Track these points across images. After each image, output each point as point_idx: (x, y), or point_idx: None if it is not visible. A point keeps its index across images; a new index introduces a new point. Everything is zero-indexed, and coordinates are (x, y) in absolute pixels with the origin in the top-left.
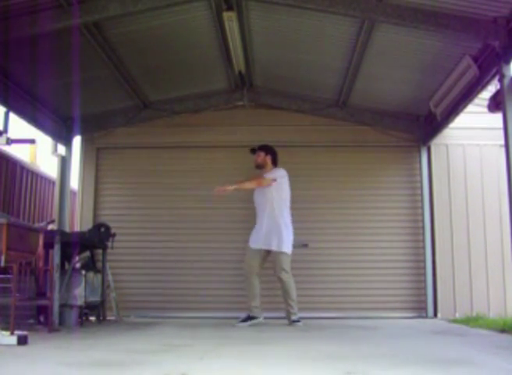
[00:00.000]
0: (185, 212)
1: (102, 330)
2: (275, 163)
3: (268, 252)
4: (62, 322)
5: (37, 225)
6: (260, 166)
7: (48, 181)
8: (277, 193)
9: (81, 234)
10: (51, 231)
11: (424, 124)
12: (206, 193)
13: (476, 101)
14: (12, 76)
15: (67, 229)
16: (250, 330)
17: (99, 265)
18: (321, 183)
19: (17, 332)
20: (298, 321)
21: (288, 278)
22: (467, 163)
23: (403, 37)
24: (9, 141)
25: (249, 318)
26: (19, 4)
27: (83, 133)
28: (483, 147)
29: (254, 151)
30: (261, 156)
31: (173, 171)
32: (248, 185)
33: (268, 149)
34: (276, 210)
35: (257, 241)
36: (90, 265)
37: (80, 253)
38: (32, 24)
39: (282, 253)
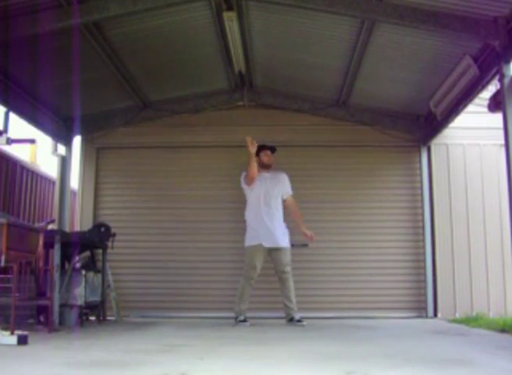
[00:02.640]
0: (185, 211)
1: (102, 330)
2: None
3: (268, 251)
4: (62, 322)
5: (37, 225)
6: (270, 167)
7: (48, 181)
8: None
9: (81, 234)
10: (51, 231)
11: (424, 124)
12: (206, 193)
13: (476, 101)
14: (12, 76)
15: (67, 229)
16: (250, 330)
17: (99, 265)
18: (321, 183)
19: (17, 332)
20: (301, 320)
21: (291, 272)
22: (467, 163)
23: (403, 37)
24: (9, 141)
25: (245, 319)
26: (19, 4)
27: (83, 133)
28: (483, 147)
29: (271, 150)
30: (272, 158)
31: (173, 171)
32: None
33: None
34: (282, 212)
35: (264, 239)
36: (90, 265)
37: (80, 253)
38: (32, 24)
39: (288, 248)
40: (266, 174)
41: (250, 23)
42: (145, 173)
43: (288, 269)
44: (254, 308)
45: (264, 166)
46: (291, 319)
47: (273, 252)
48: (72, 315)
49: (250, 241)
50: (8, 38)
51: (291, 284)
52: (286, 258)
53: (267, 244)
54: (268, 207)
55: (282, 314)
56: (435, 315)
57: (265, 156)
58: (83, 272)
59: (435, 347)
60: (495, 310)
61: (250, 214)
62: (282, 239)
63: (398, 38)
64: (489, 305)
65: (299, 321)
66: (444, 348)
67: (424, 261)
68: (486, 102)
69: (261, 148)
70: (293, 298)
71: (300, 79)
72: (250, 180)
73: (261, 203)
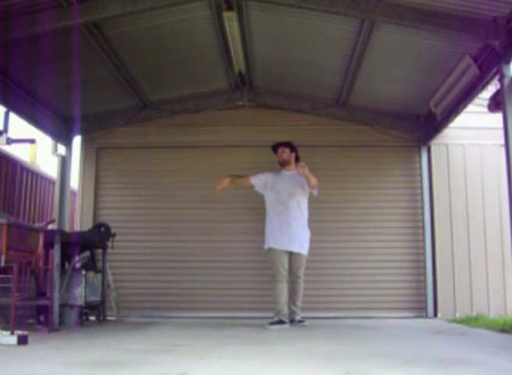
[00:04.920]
0: (185, 211)
1: (102, 330)
2: (297, 161)
3: (290, 253)
4: (62, 322)
5: (37, 225)
6: (284, 163)
7: (48, 181)
8: (306, 196)
9: (81, 234)
10: (51, 231)
11: (424, 124)
12: (206, 193)
13: (476, 101)
14: (12, 76)
15: (67, 229)
16: (250, 330)
17: (99, 265)
18: (321, 183)
19: (17, 332)
20: (303, 321)
21: (303, 277)
22: (467, 163)
23: (403, 36)
24: (9, 141)
25: (279, 322)
26: (19, 4)
27: (83, 133)
28: (483, 147)
29: (276, 148)
30: (287, 153)
31: (173, 171)
32: (314, 180)
33: (292, 146)
34: (304, 212)
35: (282, 243)
36: (90, 265)
37: (80, 253)
38: (32, 24)
39: (305, 255)
40: (286, 173)
41: (250, 23)
42: (145, 173)
43: (301, 273)
44: (253, 308)
45: (280, 165)
46: (292, 321)
47: (291, 254)
48: (72, 315)
49: (271, 243)
50: (8, 38)
51: (300, 290)
52: (302, 262)
53: (286, 247)
54: (285, 206)
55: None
56: (435, 315)
57: (277, 156)
58: (83, 272)
59: (435, 347)
60: (495, 310)
61: (269, 216)
62: (301, 245)
63: (398, 38)
64: (489, 305)
65: (300, 321)
66: (444, 348)
67: (424, 261)
68: (486, 102)
69: (273, 149)
70: (299, 303)
71: (300, 79)
72: (247, 186)
73: (276, 202)
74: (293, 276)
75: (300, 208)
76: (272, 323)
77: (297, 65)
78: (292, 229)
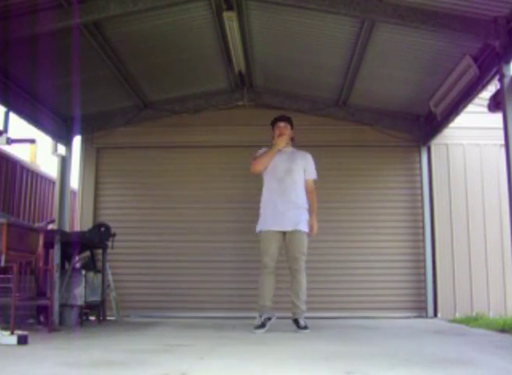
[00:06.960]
0: (185, 211)
1: (102, 330)
2: (293, 140)
3: (284, 236)
4: (62, 322)
5: (37, 225)
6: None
7: (48, 181)
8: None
9: (81, 234)
10: (51, 231)
11: (424, 124)
12: (206, 193)
13: (476, 101)
14: (12, 76)
15: (67, 229)
16: (250, 330)
17: (99, 265)
18: (321, 183)
19: (17, 332)
20: (307, 328)
21: (304, 266)
22: (467, 163)
23: (403, 37)
24: (9, 141)
25: (263, 325)
26: (19, 4)
27: (83, 133)
28: (483, 147)
29: (280, 121)
30: (289, 130)
31: (173, 171)
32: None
33: (292, 124)
34: (300, 193)
35: (272, 222)
36: (90, 265)
37: (80, 253)
38: (32, 24)
39: (304, 233)
40: (283, 150)
41: (250, 23)
42: (145, 173)
43: (300, 256)
44: (254, 308)
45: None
46: (296, 321)
47: (287, 237)
48: (72, 315)
49: (259, 225)
50: (8, 38)
51: (303, 278)
52: (300, 244)
53: (276, 227)
54: (282, 184)
55: (283, 314)
56: (435, 315)
57: (277, 129)
58: (83, 272)
59: (435, 347)
60: (495, 310)
61: (263, 196)
62: (297, 221)
63: (398, 38)
64: (489, 305)
65: (303, 328)
66: (444, 348)
67: (424, 261)
68: (486, 102)
69: (273, 122)
70: (303, 296)
71: (300, 79)
72: (253, 166)
73: (274, 181)
74: (290, 262)
75: (296, 188)
76: (257, 327)
77: (297, 65)
78: (285, 206)
